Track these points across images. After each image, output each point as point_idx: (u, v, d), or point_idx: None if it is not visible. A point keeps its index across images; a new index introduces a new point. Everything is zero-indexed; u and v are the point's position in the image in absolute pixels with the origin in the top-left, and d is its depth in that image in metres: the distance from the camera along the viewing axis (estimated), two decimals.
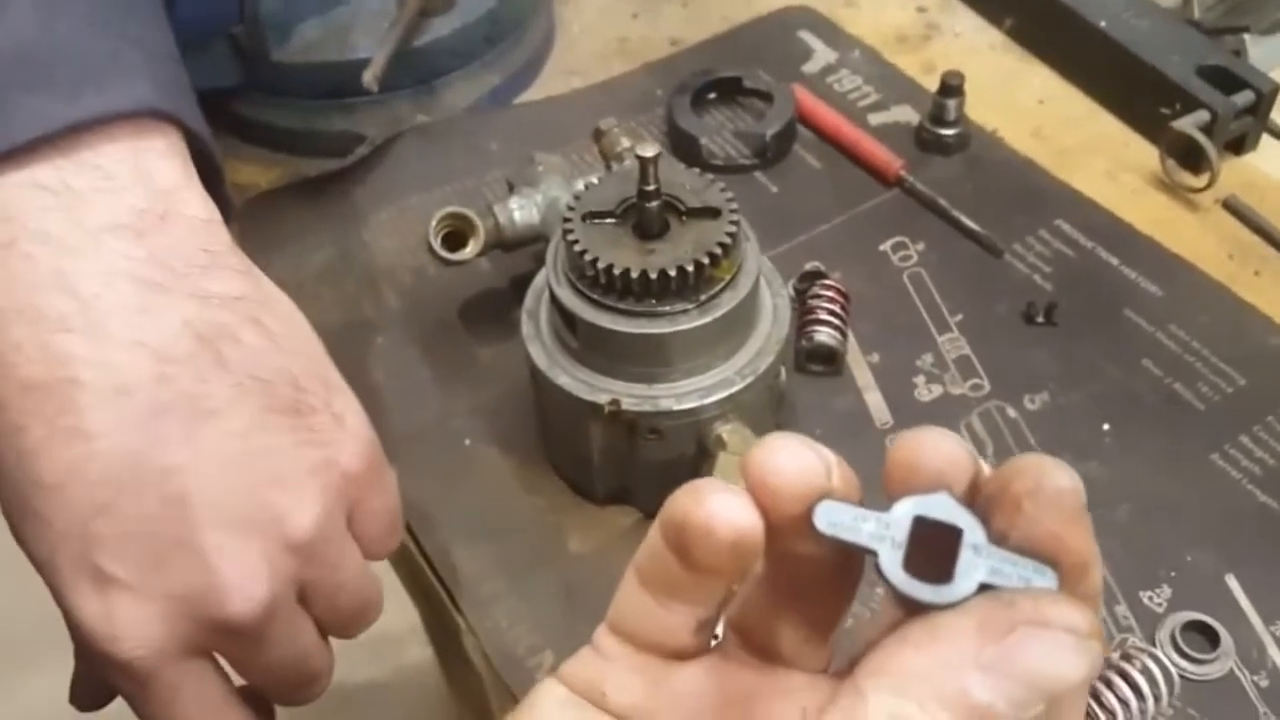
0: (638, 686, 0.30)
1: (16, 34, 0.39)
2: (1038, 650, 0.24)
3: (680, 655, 0.30)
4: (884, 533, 0.26)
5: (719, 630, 0.31)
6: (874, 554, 0.26)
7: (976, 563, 0.25)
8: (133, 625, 0.37)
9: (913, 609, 0.26)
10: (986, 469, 0.28)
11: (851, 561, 0.29)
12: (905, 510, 0.26)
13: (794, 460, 0.27)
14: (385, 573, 0.63)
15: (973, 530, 0.25)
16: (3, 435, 0.38)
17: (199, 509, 0.38)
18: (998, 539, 0.26)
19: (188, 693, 0.39)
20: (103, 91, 0.40)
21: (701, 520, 0.27)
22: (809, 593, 0.30)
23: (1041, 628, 0.24)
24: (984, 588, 0.25)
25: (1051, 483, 0.26)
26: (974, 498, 0.27)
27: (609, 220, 0.49)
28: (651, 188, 0.47)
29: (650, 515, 0.54)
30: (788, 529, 0.27)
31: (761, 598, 0.31)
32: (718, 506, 0.27)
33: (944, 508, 0.26)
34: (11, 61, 0.39)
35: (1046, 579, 0.25)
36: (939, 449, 0.27)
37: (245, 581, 0.38)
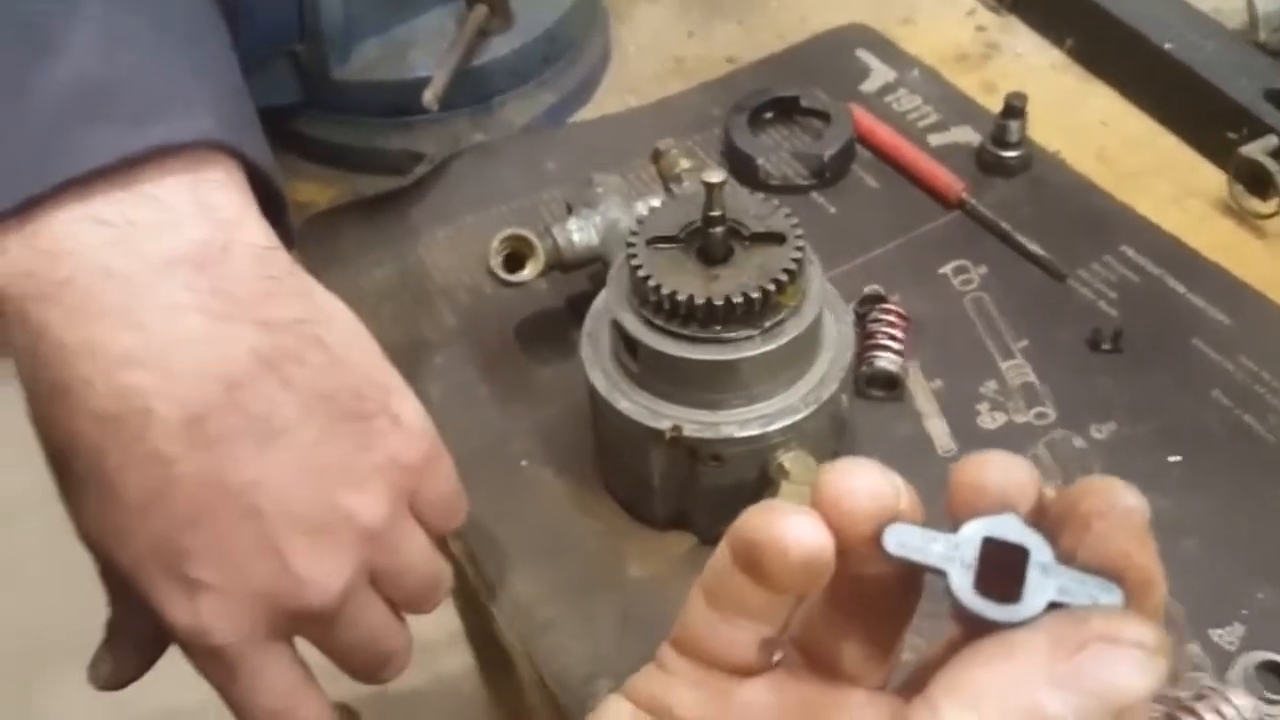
0: (702, 701, 0.31)
1: (80, 65, 0.40)
2: (1109, 665, 0.25)
3: (744, 672, 0.31)
4: (953, 554, 0.27)
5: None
6: (944, 574, 0.27)
7: (1044, 582, 0.26)
8: (219, 619, 0.41)
9: (982, 628, 0.26)
10: (1050, 491, 0.29)
11: (912, 581, 0.30)
12: (974, 531, 0.27)
13: (866, 483, 0.28)
14: None
15: (1040, 550, 0.26)
16: (81, 461, 0.40)
17: (275, 518, 0.41)
18: (1064, 558, 0.27)
19: (270, 675, 0.43)
20: (164, 123, 0.40)
21: (776, 539, 0.28)
22: (871, 611, 0.31)
23: (1112, 644, 0.25)
24: (1052, 606, 0.26)
25: (1121, 502, 0.27)
26: (1039, 519, 0.28)
27: (673, 245, 0.49)
28: (717, 213, 0.47)
29: (709, 541, 0.54)
30: (856, 549, 0.28)
31: (825, 616, 0.32)
32: (792, 526, 0.28)
33: (1011, 528, 0.27)
34: (74, 93, 0.39)
35: (1113, 596, 0.26)
36: (1006, 471, 0.28)
37: (321, 577, 0.41)
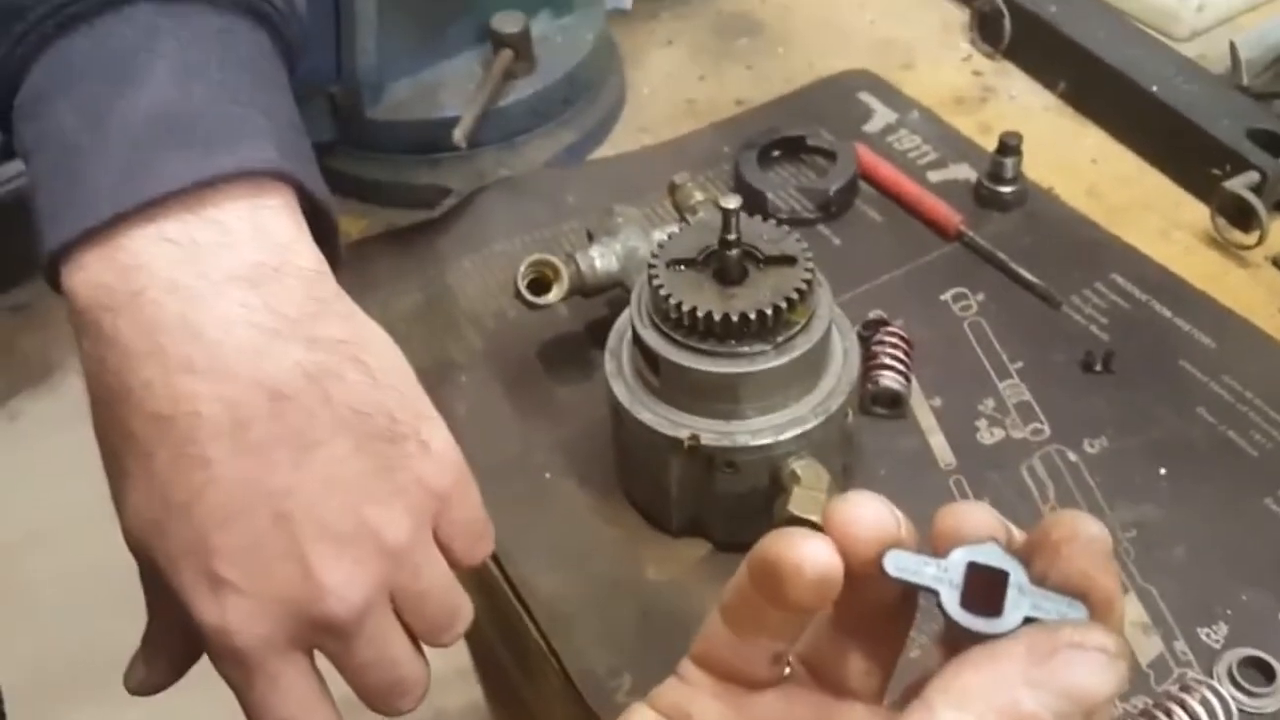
0: (719, 711, 0.35)
1: (159, 98, 0.43)
2: (1077, 668, 0.29)
3: (756, 685, 0.35)
4: (943, 575, 0.31)
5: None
6: (935, 593, 0.31)
7: (1021, 600, 0.30)
8: (243, 620, 0.42)
9: (968, 640, 0.30)
10: (1018, 533, 0.33)
11: (909, 603, 0.35)
12: (960, 557, 0.31)
13: (872, 514, 0.32)
14: None
15: (1017, 572, 0.31)
16: (135, 460, 0.43)
17: (303, 525, 0.43)
18: (1038, 580, 0.31)
19: (286, 682, 0.44)
20: (233, 152, 0.44)
21: (793, 560, 0.32)
22: (871, 630, 0.35)
23: (1080, 650, 0.29)
24: (1028, 620, 0.30)
25: (1085, 531, 0.31)
26: (1012, 548, 0.32)
27: (691, 267, 0.52)
28: (733, 236, 0.51)
29: (722, 547, 0.57)
30: (861, 571, 0.32)
31: (831, 636, 0.35)
32: (807, 548, 0.32)
33: (992, 555, 0.31)
34: (155, 122, 0.43)
35: (1079, 612, 0.30)
36: (977, 519, 0.32)
37: (342, 585, 0.43)
